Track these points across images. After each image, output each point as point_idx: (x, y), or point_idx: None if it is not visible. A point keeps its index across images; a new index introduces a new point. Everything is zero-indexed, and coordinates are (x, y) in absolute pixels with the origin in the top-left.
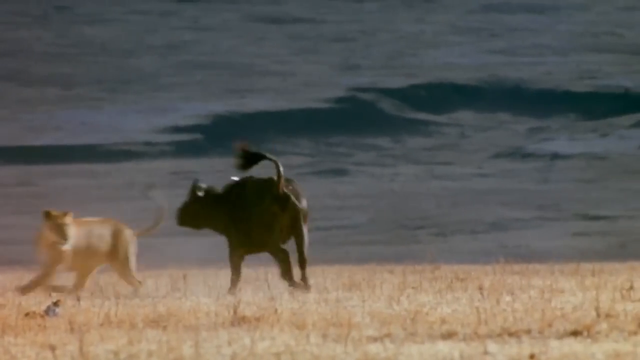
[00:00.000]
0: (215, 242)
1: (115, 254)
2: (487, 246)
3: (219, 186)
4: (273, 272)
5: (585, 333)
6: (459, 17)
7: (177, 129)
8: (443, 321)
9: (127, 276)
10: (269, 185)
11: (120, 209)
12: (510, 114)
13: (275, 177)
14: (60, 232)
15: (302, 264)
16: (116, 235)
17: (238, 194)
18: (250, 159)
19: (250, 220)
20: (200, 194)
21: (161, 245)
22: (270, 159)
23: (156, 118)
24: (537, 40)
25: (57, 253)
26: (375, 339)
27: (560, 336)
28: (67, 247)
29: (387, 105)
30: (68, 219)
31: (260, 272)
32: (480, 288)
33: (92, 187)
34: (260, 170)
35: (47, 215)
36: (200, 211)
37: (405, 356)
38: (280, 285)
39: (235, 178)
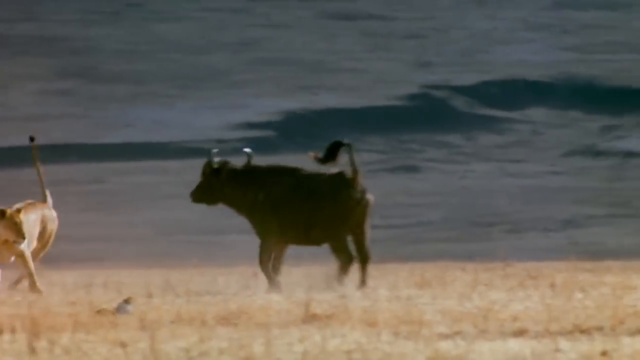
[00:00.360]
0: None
1: (44, 233)
2: (559, 243)
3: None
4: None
5: None
6: (531, 13)
7: (249, 126)
8: (514, 319)
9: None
10: (343, 179)
11: (191, 206)
12: (583, 111)
13: (351, 171)
14: (17, 230)
15: (366, 260)
16: (44, 215)
17: (290, 185)
18: (329, 152)
19: (318, 212)
20: (215, 166)
21: (232, 243)
22: (347, 153)
23: (228, 115)
24: (610, 37)
25: (14, 250)
26: (446, 337)
27: (632, 333)
28: (24, 245)
29: (459, 102)
30: (21, 216)
31: (332, 269)
32: (552, 285)
33: (164, 184)
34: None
35: (2, 214)
36: (217, 187)
37: (477, 354)
38: (352, 282)
39: (248, 150)
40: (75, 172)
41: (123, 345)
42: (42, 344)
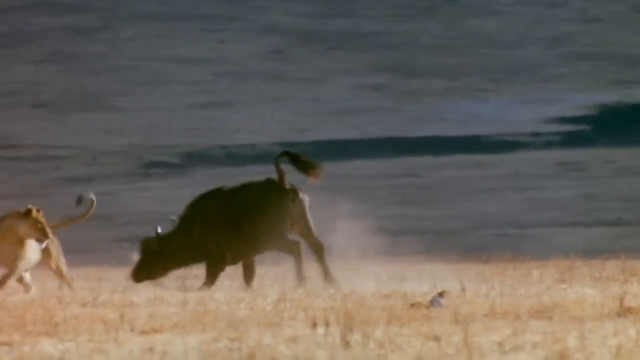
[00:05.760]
0: (601, 233)
1: None
2: None
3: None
4: None
5: None
6: None
7: (564, 120)
8: None
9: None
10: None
11: (504, 200)
12: None
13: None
14: (42, 229)
15: (320, 249)
16: None
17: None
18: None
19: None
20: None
21: (545, 236)
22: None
23: (542, 109)
24: None
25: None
26: None
27: None
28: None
29: None
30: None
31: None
32: None
33: (477, 178)
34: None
35: (28, 213)
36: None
37: None
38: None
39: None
40: (389, 165)
41: (436, 338)
42: (355, 338)
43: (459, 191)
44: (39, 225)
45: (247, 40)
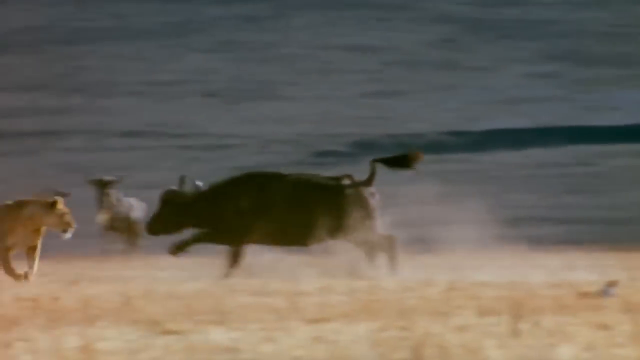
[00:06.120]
0: None
1: None
2: None
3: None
4: None
5: None
6: None
7: None
8: None
9: None
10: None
11: None
12: None
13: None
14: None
15: None
16: None
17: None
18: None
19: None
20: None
21: None
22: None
23: None
24: None
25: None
26: None
27: None
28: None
29: None
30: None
31: None
32: None
33: None
34: None
35: (53, 204)
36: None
37: None
38: None
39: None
40: (560, 154)
41: (606, 328)
42: (525, 326)
43: (630, 180)
44: (66, 218)
45: (417, 29)
